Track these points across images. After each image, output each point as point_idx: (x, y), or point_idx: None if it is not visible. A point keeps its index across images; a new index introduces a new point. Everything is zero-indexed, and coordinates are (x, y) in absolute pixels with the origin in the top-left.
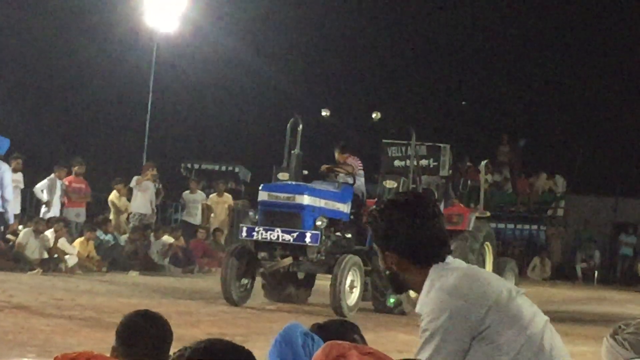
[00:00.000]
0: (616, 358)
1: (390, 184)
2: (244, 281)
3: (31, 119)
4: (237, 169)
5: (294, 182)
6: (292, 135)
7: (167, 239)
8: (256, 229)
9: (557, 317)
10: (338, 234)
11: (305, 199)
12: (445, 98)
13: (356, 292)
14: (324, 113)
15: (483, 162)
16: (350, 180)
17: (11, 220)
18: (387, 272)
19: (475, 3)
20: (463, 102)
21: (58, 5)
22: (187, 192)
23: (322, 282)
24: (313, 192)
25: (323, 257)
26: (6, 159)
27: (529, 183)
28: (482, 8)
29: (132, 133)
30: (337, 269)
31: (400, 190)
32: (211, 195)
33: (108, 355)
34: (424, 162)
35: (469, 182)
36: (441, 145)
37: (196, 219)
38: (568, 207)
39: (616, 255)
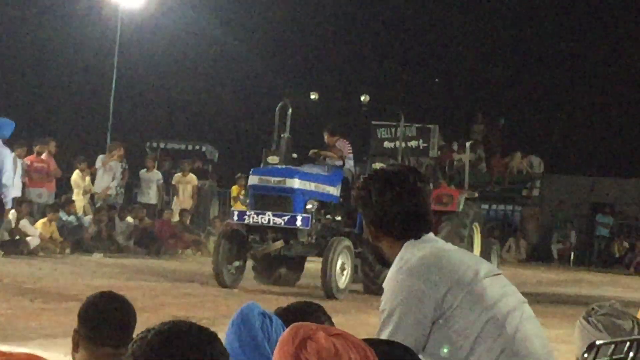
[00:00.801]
0: (589, 340)
1: (379, 166)
2: (236, 264)
3: None
4: (204, 148)
5: (284, 166)
6: (280, 119)
7: (131, 220)
8: (247, 213)
9: (532, 299)
10: (328, 216)
11: (296, 183)
12: (420, 76)
13: (347, 274)
14: (312, 96)
15: (468, 143)
16: (339, 163)
17: (9, 205)
18: (370, 243)
19: None
20: (435, 80)
21: None
22: (144, 170)
23: (312, 264)
24: (303, 176)
25: (314, 240)
26: (9, 142)
27: (504, 162)
28: None
29: (96, 111)
30: (327, 252)
31: None
32: (175, 175)
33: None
34: (413, 143)
35: (454, 162)
36: (430, 126)
37: (149, 198)
38: (544, 187)
39: (592, 235)
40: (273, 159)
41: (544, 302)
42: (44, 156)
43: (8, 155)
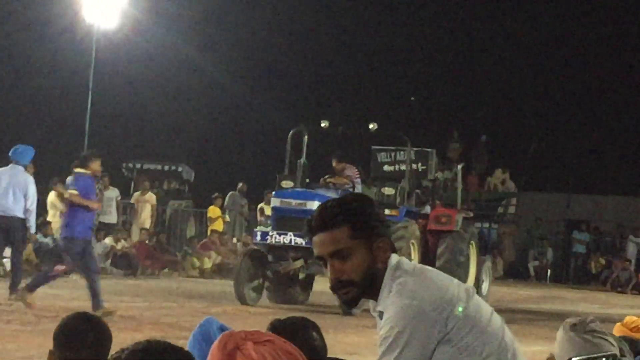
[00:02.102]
0: (570, 351)
1: (388, 190)
2: (256, 282)
3: None
4: (180, 168)
5: (304, 189)
6: (293, 145)
7: (109, 241)
8: (270, 233)
9: (509, 317)
10: None
11: (316, 205)
12: (397, 94)
13: None
14: (322, 124)
15: (459, 166)
16: (350, 188)
17: (32, 230)
18: None
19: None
20: (412, 98)
21: None
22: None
23: (319, 285)
24: (322, 199)
25: None
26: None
27: (481, 180)
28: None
29: (71, 132)
30: None
31: (400, 196)
32: (134, 194)
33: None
34: (412, 166)
35: (448, 184)
36: (428, 150)
37: (110, 217)
38: (520, 205)
39: (569, 252)
40: (287, 183)
41: (521, 320)
42: None
43: (31, 181)
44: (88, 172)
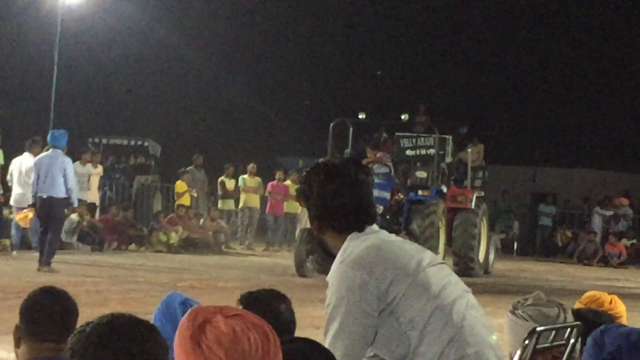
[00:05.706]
0: (519, 332)
1: (421, 174)
2: (311, 257)
3: None
4: (146, 143)
5: None
6: (334, 136)
7: (75, 216)
8: None
9: (475, 289)
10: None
11: None
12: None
13: None
14: (360, 116)
15: (469, 150)
16: (386, 170)
17: (75, 204)
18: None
19: None
20: (378, 72)
21: None
22: (77, 163)
23: None
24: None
25: None
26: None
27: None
28: None
29: (36, 108)
30: None
31: (430, 179)
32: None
33: (12, 334)
34: (431, 151)
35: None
36: (446, 136)
37: (89, 194)
38: (486, 177)
39: (535, 225)
40: None
41: (488, 293)
42: None
43: (68, 162)
44: None
